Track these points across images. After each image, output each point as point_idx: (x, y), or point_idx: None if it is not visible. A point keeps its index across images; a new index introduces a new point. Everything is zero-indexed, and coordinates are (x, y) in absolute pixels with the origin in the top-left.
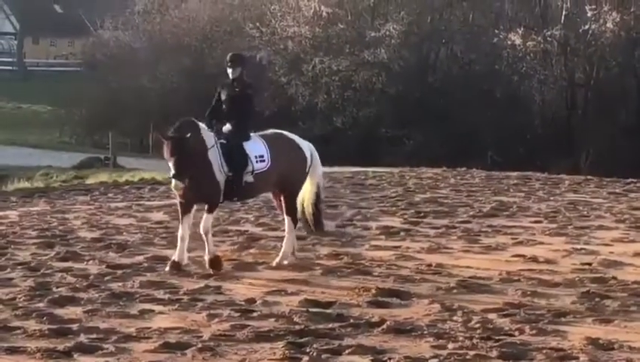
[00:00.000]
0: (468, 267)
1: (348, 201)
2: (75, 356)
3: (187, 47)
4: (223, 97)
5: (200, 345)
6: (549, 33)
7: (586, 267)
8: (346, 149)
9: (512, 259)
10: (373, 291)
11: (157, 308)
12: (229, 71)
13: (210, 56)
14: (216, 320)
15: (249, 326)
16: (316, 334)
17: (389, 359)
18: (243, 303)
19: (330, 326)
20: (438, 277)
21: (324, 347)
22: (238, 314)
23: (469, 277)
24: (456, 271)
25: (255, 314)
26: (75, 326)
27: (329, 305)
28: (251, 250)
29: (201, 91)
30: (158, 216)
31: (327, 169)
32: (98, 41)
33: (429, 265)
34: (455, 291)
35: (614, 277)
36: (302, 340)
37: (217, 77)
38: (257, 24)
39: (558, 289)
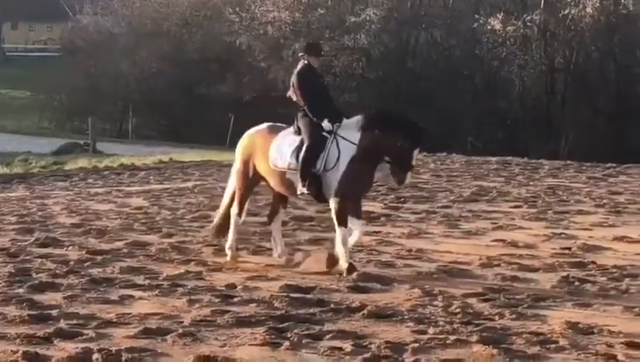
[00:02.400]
0: (448, 252)
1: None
2: (55, 341)
3: (167, 33)
4: (312, 87)
5: (180, 331)
6: (528, 18)
7: (566, 251)
8: None
9: (492, 243)
10: (354, 276)
11: (137, 293)
12: (315, 60)
13: (190, 41)
14: (197, 305)
15: (230, 311)
16: (297, 319)
17: (370, 344)
18: (223, 289)
19: (311, 311)
20: (419, 262)
21: (305, 332)
22: (219, 299)
23: (450, 262)
24: (436, 256)
25: (236, 300)
26: (54, 312)
27: (310, 290)
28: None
29: (181, 76)
30: (138, 201)
31: None
32: (77, 26)
33: (410, 251)
34: (435, 276)
35: (594, 262)
36: (282, 325)
37: (197, 62)
38: (237, 9)
39: (537, 273)
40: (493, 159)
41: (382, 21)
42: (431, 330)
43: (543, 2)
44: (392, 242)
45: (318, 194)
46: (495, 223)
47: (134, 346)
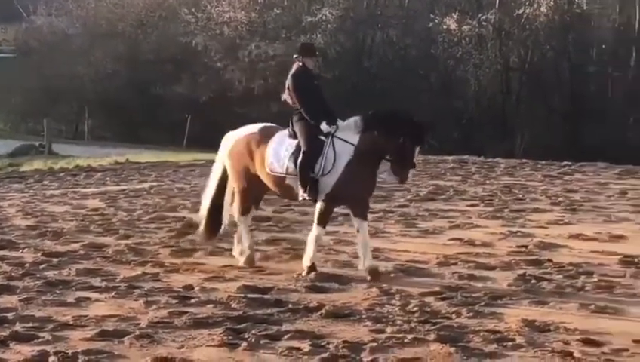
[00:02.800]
0: (405, 251)
1: None
2: (11, 345)
3: (122, 33)
4: (308, 90)
5: (137, 333)
6: (483, 17)
7: (522, 249)
8: None
9: (449, 242)
10: (312, 276)
11: (93, 295)
12: (310, 61)
13: (145, 41)
14: (154, 307)
15: (187, 312)
16: (254, 320)
17: (328, 344)
18: (181, 290)
19: (269, 311)
20: (376, 261)
21: (263, 332)
22: (176, 300)
23: (407, 261)
24: (393, 255)
25: (193, 301)
26: (10, 315)
27: (267, 290)
28: (189, 236)
29: (137, 77)
30: (94, 203)
31: None
32: (31, 27)
33: None
34: (393, 275)
35: (550, 260)
36: (240, 326)
37: (153, 63)
38: (193, 9)
39: (494, 271)
40: (450, 158)
41: (338, 21)
42: (389, 329)
43: (497, 2)
44: (350, 242)
45: (317, 197)
46: (452, 222)
47: (91, 348)
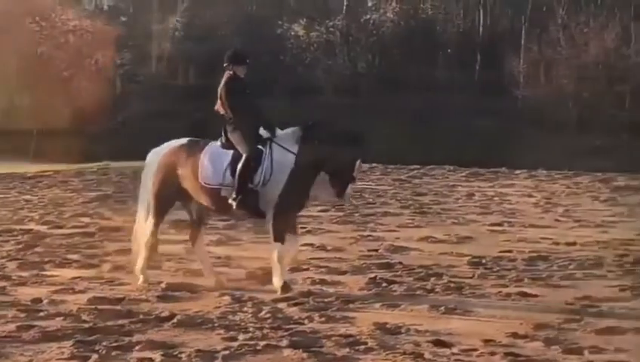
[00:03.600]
0: (257, 258)
1: (136, 196)
2: None
3: None
4: (240, 99)
5: None
6: (331, 24)
7: (373, 253)
8: (134, 143)
9: (300, 248)
10: (163, 285)
11: None
12: (241, 69)
13: None
14: (1, 321)
15: (36, 326)
16: (105, 331)
17: (180, 353)
18: (29, 303)
19: (120, 322)
20: (228, 269)
21: (114, 344)
22: (24, 314)
23: (259, 268)
24: (245, 262)
25: (42, 314)
26: None
27: (118, 301)
28: (37, 249)
29: None
30: None
31: (116, 164)
32: None
33: (219, 258)
34: (245, 282)
35: (400, 263)
36: (91, 338)
37: None
38: (37, 18)
39: (346, 276)
40: None
41: (186, 28)
42: (241, 337)
43: (344, 8)
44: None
45: (254, 209)
46: (304, 228)
47: None
